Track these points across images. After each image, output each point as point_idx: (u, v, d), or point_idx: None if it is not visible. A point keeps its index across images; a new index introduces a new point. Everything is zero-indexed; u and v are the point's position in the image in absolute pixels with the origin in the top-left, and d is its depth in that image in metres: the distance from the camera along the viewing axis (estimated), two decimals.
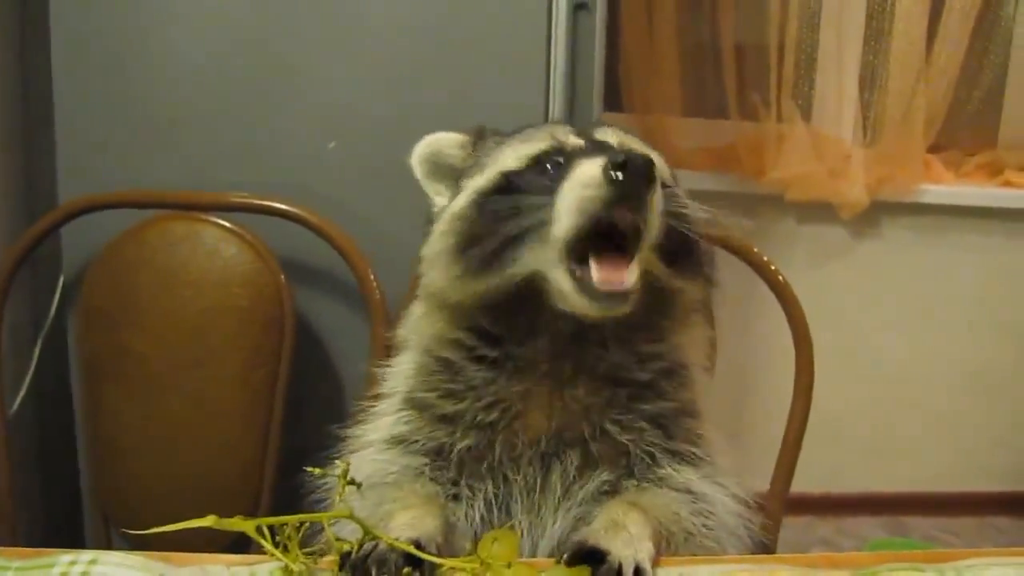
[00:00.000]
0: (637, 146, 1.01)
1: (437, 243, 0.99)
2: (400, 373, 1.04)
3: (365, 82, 1.78)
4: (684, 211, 0.95)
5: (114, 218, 1.71)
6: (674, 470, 0.96)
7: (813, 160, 2.99)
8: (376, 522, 0.85)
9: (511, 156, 0.99)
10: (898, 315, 3.21)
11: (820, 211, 3.06)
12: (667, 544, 0.90)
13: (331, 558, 0.81)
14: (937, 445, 3.30)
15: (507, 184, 0.96)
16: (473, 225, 0.95)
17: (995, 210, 3.14)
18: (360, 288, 1.66)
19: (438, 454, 0.97)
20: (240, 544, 0.82)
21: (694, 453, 0.98)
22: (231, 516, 0.78)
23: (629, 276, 0.88)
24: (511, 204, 0.92)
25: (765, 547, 1.04)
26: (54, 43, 1.76)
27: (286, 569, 0.80)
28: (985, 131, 3.24)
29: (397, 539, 0.81)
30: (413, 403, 1.00)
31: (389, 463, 0.98)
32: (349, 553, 0.80)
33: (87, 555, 0.83)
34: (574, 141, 0.98)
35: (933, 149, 3.14)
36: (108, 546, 1.73)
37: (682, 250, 0.95)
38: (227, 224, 1.70)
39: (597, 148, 0.95)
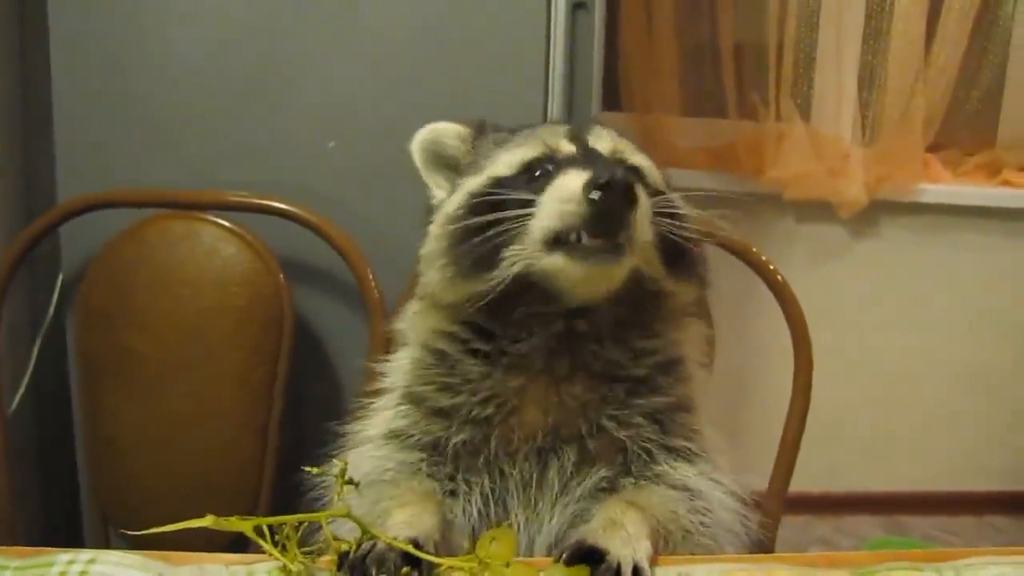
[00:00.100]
0: (629, 152, 1.02)
1: (431, 244, 1.01)
2: (399, 368, 1.05)
3: (364, 81, 1.78)
4: (677, 215, 0.97)
5: (113, 217, 1.72)
6: (671, 467, 0.96)
7: (812, 159, 2.99)
8: (373, 520, 0.85)
9: (503, 162, 1.01)
10: (897, 314, 3.21)
11: (819, 210, 3.06)
12: (665, 543, 0.90)
13: (329, 557, 0.81)
14: (936, 444, 3.30)
15: (497, 190, 0.97)
16: (464, 228, 0.96)
17: (994, 210, 3.14)
18: (359, 287, 1.66)
19: (434, 449, 0.97)
20: (239, 543, 0.82)
21: (690, 449, 0.98)
22: (230, 515, 0.78)
23: (621, 237, 0.88)
24: (496, 204, 0.93)
25: (762, 544, 1.04)
26: (53, 42, 1.76)
27: (284, 569, 0.79)
28: (984, 131, 3.24)
29: (395, 538, 0.81)
30: (410, 397, 1.01)
31: (386, 459, 0.98)
32: (347, 552, 0.80)
33: (86, 554, 0.83)
34: (566, 148, 0.99)
35: (932, 148, 3.14)
36: (107, 545, 1.73)
37: (676, 252, 0.96)
38: (226, 223, 1.70)
39: (587, 157, 0.96)
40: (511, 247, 0.91)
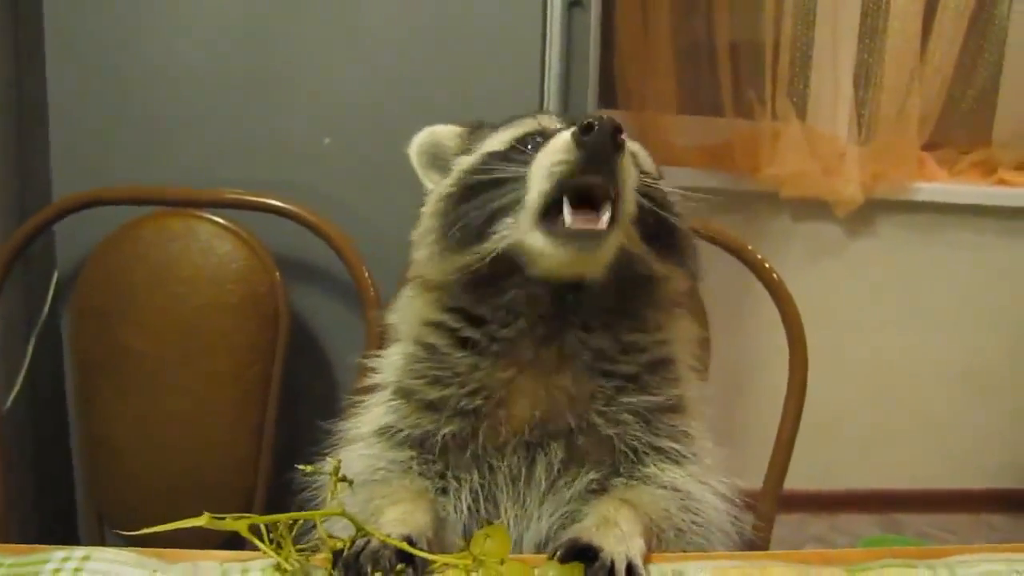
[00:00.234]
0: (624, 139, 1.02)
1: (423, 224, 1.02)
2: (390, 364, 1.05)
3: (360, 79, 1.78)
4: (664, 197, 0.98)
5: (108, 215, 1.71)
6: (659, 469, 0.97)
7: (808, 158, 3.00)
8: (366, 518, 0.85)
9: (496, 140, 1.03)
10: (893, 313, 3.22)
11: (815, 208, 3.07)
12: (658, 541, 0.90)
13: (324, 555, 0.81)
14: (931, 442, 3.31)
15: (490, 164, 0.98)
16: (455, 203, 0.97)
17: (989, 208, 3.15)
18: (355, 285, 1.66)
19: (423, 444, 0.98)
20: (234, 541, 0.82)
21: (678, 451, 0.98)
22: (225, 513, 0.78)
23: (603, 218, 0.89)
24: (490, 179, 0.95)
25: (753, 544, 1.05)
26: (48, 40, 1.75)
27: (279, 567, 0.80)
28: (979, 129, 3.24)
29: (389, 535, 0.81)
30: (401, 392, 1.01)
31: (376, 458, 0.98)
32: (342, 550, 0.80)
33: (80, 551, 0.83)
34: (557, 126, 1.00)
35: (927, 147, 3.15)
36: (102, 544, 1.72)
37: (663, 235, 0.97)
38: (222, 221, 1.70)
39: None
40: (504, 220, 0.93)
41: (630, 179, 0.92)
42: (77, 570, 0.81)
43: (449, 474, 0.97)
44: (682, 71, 3.07)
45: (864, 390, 3.23)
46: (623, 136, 0.89)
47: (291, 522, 0.81)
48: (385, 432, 1.00)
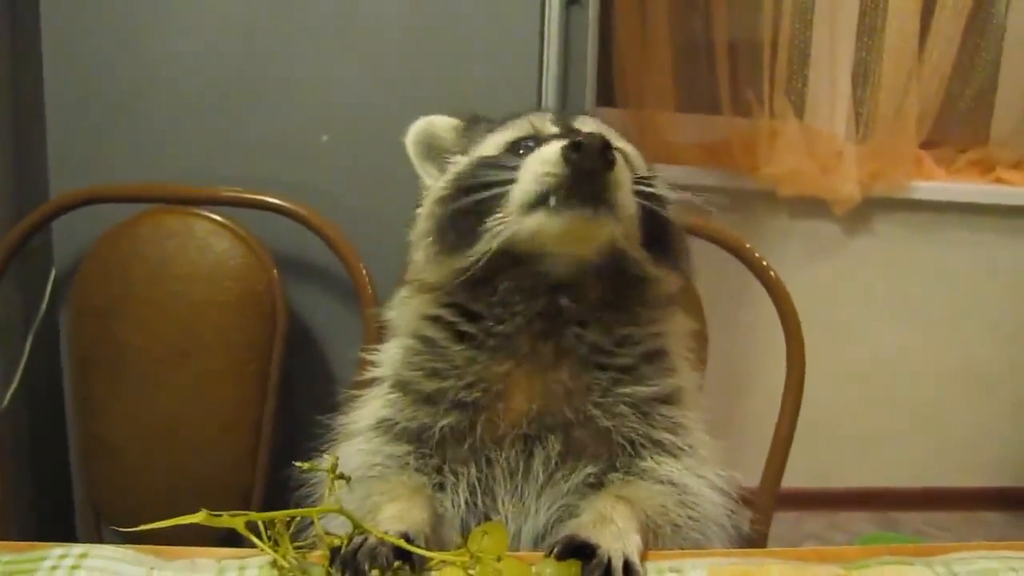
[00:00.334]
0: (614, 138, 1.03)
1: (419, 226, 1.03)
2: (388, 359, 1.05)
3: (358, 77, 1.78)
4: (660, 200, 0.98)
5: (105, 212, 1.71)
6: (656, 462, 0.97)
7: (806, 156, 3.00)
8: (364, 515, 0.85)
9: (490, 143, 1.04)
10: (890, 311, 3.22)
11: (812, 207, 3.07)
12: (654, 537, 0.90)
13: (321, 552, 0.81)
14: (928, 441, 3.31)
15: (482, 170, 0.99)
16: (449, 208, 0.98)
17: (987, 207, 3.15)
18: (352, 282, 1.66)
19: (420, 438, 0.98)
20: (232, 538, 0.82)
21: (675, 443, 0.99)
22: (223, 510, 0.78)
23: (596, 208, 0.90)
24: (481, 182, 0.95)
25: (750, 538, 1.05)
26: (45, 37, 1.75)
27: (276, 563, 0.80)
28: (977, 128, 3.25)
29: (386, 532, 0.81)
30: (399, 385, 1.02)
31: (373, 453, 0.99)
32: (339, 547, 0.80)
33: (78, 548, 0.83)
34: (550, 129, 1.01)
35: (925, 146, 3.15)
36: (99, 541, 1.72)
37: (658, 237, 0.97)
38: (219, 218, 1.70)
39: (569, 133, 0.98)
40: (494, 217, 0.93)
41: (624, 186, 0.92)
42: (75, 567, 0.81)
43: (446, 468, 0.97)
44: (680, 69, 3.07)
45: (861, 388, 3.23)
46: (612, 154, 0.89)
47: (288, 519, 0.81)
48: (382, 425, 1.00)
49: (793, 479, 1.64)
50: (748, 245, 1.62)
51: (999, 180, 3.17)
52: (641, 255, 0.97)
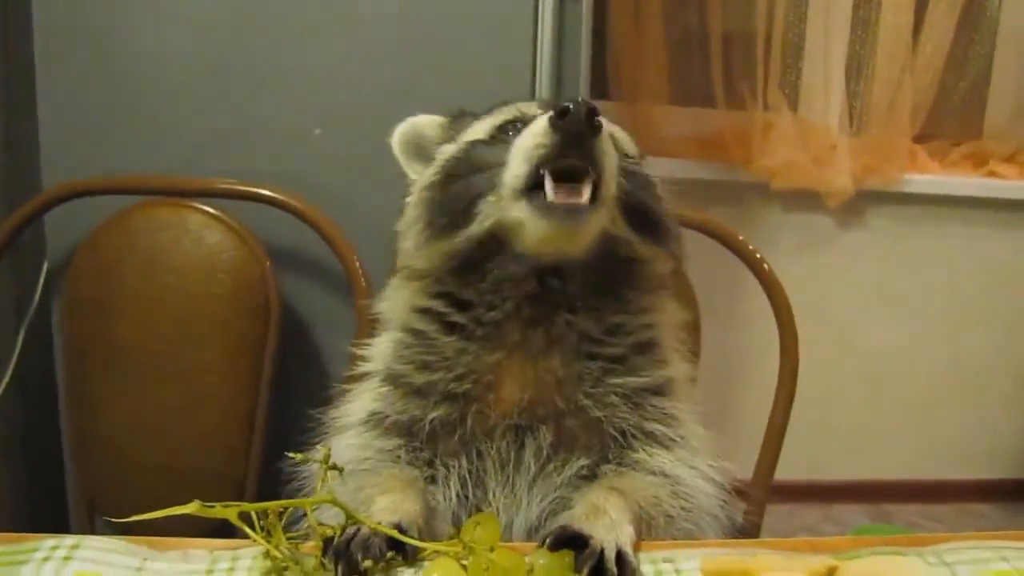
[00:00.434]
0: (603, 123, 1.03)
1: (408, 214, 1.04)
2: (379, 352, 1.06)
3: (351, 69, 1.77)
4: (647, 177, 1.00)
5: (98, 205, 1.71)
6: (648, 454, 0.97)
7: (799, 149, 3.00)
8: (356, 508, 0.85)
9: (477, 128, 1.05)
10: (882, 304, 3.23)
11: (806, 200, 3.07)
12: (648, 528, 0.91)
13: (314, 543, 0.81)
14: (920, 433, 3.33)
15: (472, 152, 1.00)
16: (439, 191, 0.99)
17: (980, 200, 3.16)
18: (345, 274, 1.66)
19: (411, 432, 0.98)
20: (224, 529, 0.82)
21: (666, 434, 0.99)
22: (216, 501, 0.78)
23: (584, 192, 0.90)
24: (472, 166, 0.97)
25: (743, 529, 1.05)
26: (36, 29, 1.74)
27: (268, 554, 0.80)
28: (970, 121, 3.26)
29: (379, 523, 0.81)
30: (390, 378, 1.02)
31: (364, 447, 0.99)
32: (332, 538, 0.80)
33: (70, 539, 0.83)
34: (536, 112, 1.01)
35: (919, 139, 3.16)
36: (92, 533, 1.72)
37: (646, 217, 0.98)
38: (212, 210, 1.69)
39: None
40: (484, 199, 0.94)
41: (610, 160, 0.93)
42: (67, 558, 0.81)
43: (437, 461, 0.97)
44: (674, 62, 3.07)
45: (854, 381, 3.25)
46: (599, 119, 0.90)
47: (281, 510, 0.81)
48: (372, 419, 1.00)
49: (786, 471, 1.65)
50: (741, 237, 1.62)
51: (992, 173, 3.18)
52: (630, 235, 0.97)
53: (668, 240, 1.03)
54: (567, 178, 0.91)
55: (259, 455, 1.70)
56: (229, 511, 0.78)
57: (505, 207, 0.93)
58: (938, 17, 3.00)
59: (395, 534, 0.80)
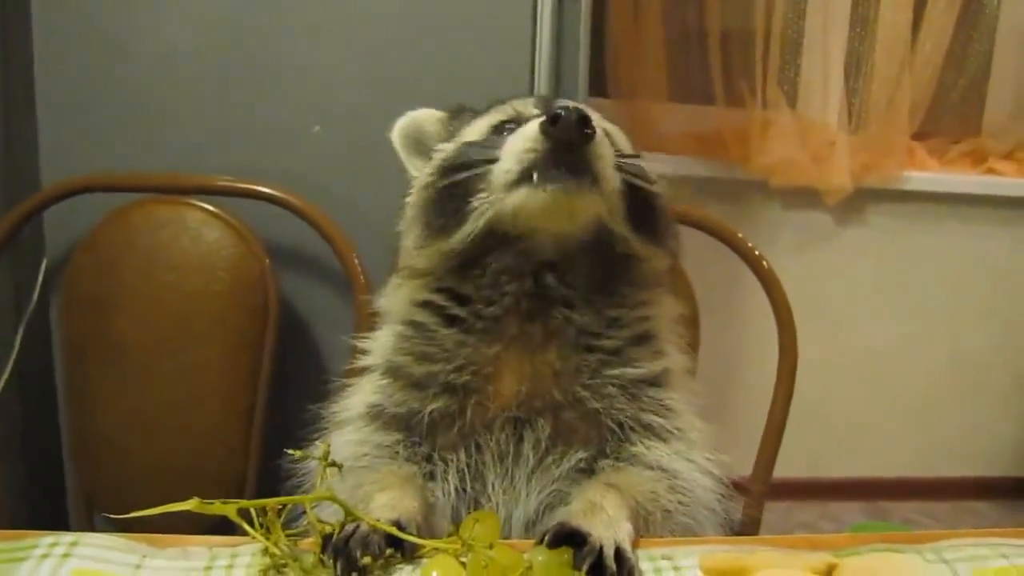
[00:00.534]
0: (597, 120, 1.03)
1: (407, 213, 1.04)
2: (379, 346, 1.06)
3: (350, 67, 1.77)
4: (643, 174, 0.99)
5: (97, 202, 1.71)
6: (645, 447, 0.98)
7: (798, 146, 3.00)
8: (355, 504, 0.85)
9: (474, 128, 1.06)
10: (881, 301, 3.23)
11: (805, 197, 3.07)
12: (646, 524, 0.91)
13: (313, 540, 0.81)
14: (918, 431, 3.33)
15: (467, 152, 1.00)
16: (436, 191, 1.00)
17: (979, 197, 3.16)
18: (344, 272, 1.66)
19: (409, 424, 0.98)
20: (224, 526, 0.82)
21: (664, 426, 0.99)
22: (216, 498, 0.78)
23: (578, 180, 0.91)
24: (465, 166, 0.97)
25: (742, 525, 1.05)
26: (35, 26, 1.74)
27: (267, 551, 0.80)
28: (969, 119, 3.25)
29: (378, 520, 0.81)
30: (390, 371, 1.02)
31: (362, 443, 0.99)
32: (331, 535, 0.80)
33: (69, 537, 0.83)
34: (532, 112, 1.02)
35: (917, 136, 3.16)
36: (91, 530, 1.72)
37: (644, 214, 0.98)
38: (211, 208, 1.69)
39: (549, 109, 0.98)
40: (479, 197, 0.95)
41: (605, 163, 0.93)
42: (65, 555, 0.80)
43: (435, 456, 0.98)
44: (673, 59, 3.07)
45: (852, 378, 3.25)
46: (591, 126, 0.90)
47: (280, 507, 0.81)
48: (371, 412, 1.01)
49: (784, 469, 1.65)
50: (740, 235, 1.62)
51: (991, 171, 3.18)
52: (627, 232, 0.98)
53: (665, 238, 1.03)
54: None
55: (258, 452, 1.70)
56: (228, 508, 0.78)
57: (498, 200, 0.94)
58: (937, 14, 2.99)
59: (394, 531, 0.80)
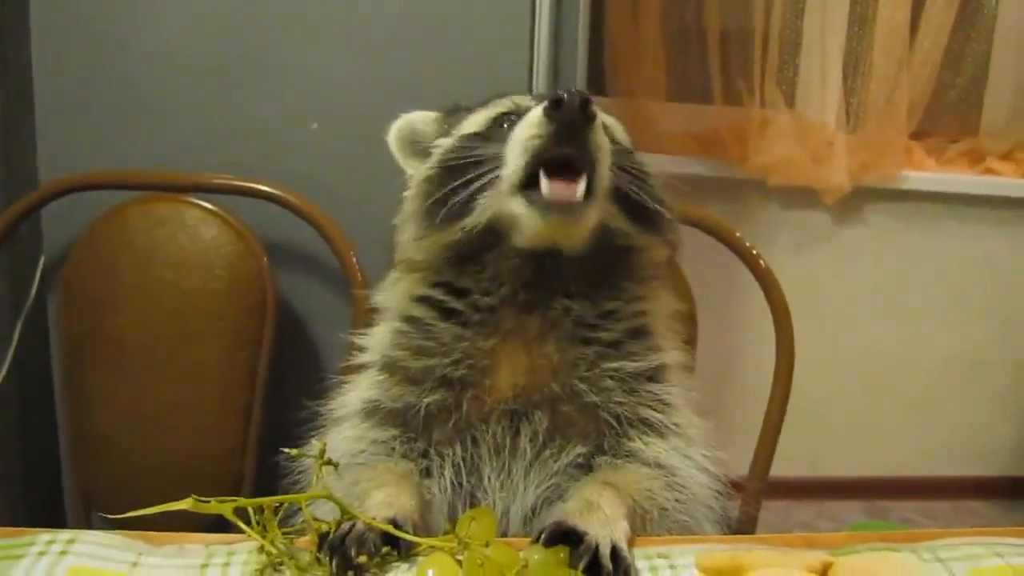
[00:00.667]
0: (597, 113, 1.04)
1: (406, 207, 1.05)
2: (377, 341, 1.06)
3: (348, 65, 1.77)
4: (640, 166, 1.01)
5: (95, 199, 1.70)
6: (643, 443, 0.98)
7: (796, 146, 3.00)
8: (352, 502, 0.85)
9: (473, 121, 1.07)
10: (879, 301, 3.23)
11: (803, 196, 3.07)
12: (642, 522, 0.91)
13: (309, 538, 0.81)
14: (916, 430, 3.33)
15: (468, 144, 1.01)
16: (437, 183, 1.00)
17: (977, 197, 3.15)
18: (342, 270, 1.66)
19: (405, 419, 0.99)
20: (220, 524, 0.82)
21: (661, 421, 0.99)
22: (212, 497, 0.78)
23: (579, 188, 0.92)
24: (468, 158, 0.97)
25: (739, 523, 1.05)
26: (34, 24, 1.74)
27: (264, 549, 0.80)
28: (967, 118, 3.25)
29: (374, 518, 0.81)
30: (387, 366, 1.03)
31: (358, 440, 0.99)
32: (327, 533, 0.80)
33: (66, 534, 0.83)
34: (531, 103, 1.03)
35: (916, 136, 3.15)
36: (89, 528, 1.71)
37: (641, 206, 0.99)
38: (209, 206, 1.69)
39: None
40: (482, 191, 0.95)
41: (604, 150, 0.94)
42: (63, 553, 0.81)
43: (432, 451, 0.98)
44: (671, 58, 3.06)
45: (850, 378, 3.25)
46: (592, 109, 0.91)
47: (277, 505, 0.81)
48: (368, 407, 1.01)
49: (782, 468, 1.65)
50: (738, 234, 1.62)
51: (989, 170, 3.18)
52: (625, 225, 0.99)
53: (663, 228, 1.04)
54: (562, 172, 0.92)
55: (255, 450, 1.70)
56: (224, 506, 0.78)
57: (502, 200, 0.94)
58: (935, 14, 2.99)
59: (390, 529, 0.81)
